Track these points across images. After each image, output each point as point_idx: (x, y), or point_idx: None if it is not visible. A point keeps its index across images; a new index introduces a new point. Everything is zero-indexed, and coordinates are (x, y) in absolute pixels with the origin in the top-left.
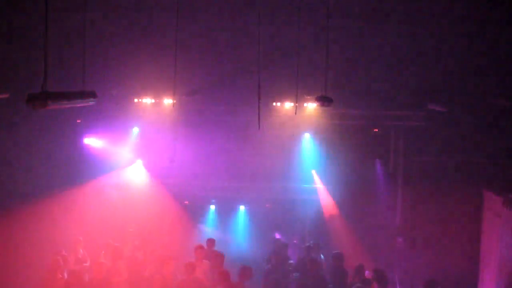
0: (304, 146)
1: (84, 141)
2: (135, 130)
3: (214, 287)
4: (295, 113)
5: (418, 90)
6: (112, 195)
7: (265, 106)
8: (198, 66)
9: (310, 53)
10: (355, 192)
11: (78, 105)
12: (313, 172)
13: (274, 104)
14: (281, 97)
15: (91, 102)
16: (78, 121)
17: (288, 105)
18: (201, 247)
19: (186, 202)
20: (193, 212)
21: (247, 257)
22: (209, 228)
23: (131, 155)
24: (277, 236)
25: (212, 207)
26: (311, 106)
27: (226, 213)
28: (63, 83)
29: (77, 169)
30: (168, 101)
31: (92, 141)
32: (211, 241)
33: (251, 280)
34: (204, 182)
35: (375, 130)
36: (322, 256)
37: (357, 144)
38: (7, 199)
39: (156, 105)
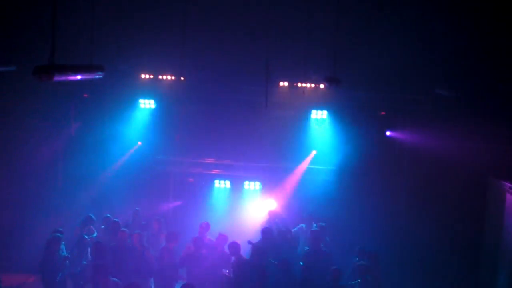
0: (310, 126)
1: None
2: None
3: None
4: (303, 93)
5: (426, 74)
6: None
7: (273, 85)
8: (206, 43)
9: (319, 33)
10: (360, 173)
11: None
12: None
13: (281, 83)
14: (289, 77)
15: (97, 76)
16: (85, 95)
17: (296, 84)
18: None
19: (191, 179)
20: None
21: None
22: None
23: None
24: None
25: (217, 184)
26: (318, 87)
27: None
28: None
29: None
30: (174, 78)
31: None
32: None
33: None
34: (208, 160)
35: (382, 113)
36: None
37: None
38: None
39: (161, 82)
